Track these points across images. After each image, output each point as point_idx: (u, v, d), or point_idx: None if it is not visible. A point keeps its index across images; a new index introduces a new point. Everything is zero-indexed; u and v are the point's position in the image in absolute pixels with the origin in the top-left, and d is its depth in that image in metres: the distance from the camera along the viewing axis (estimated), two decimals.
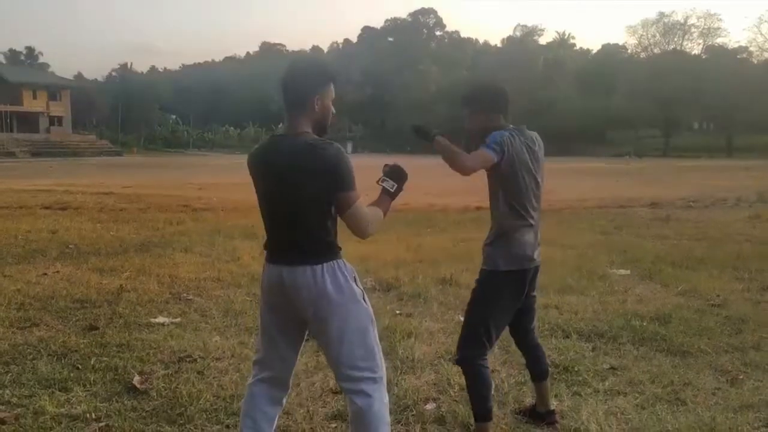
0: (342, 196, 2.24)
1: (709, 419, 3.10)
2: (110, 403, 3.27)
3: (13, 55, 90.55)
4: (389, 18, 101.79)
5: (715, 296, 5.61)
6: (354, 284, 2.35)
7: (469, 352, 2.86)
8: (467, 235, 8.97)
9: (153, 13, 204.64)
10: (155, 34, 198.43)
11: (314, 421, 3.12)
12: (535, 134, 2.95)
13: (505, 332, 3.07)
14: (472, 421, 2.97)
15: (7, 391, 3.38)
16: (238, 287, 5.87)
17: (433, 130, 2.85)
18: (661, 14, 75.13)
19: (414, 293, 5.62)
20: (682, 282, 6.15)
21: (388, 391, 3.23)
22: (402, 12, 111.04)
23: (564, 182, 20.86)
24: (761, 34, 69.00)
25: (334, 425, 3.10)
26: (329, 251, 2.32)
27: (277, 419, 2.58)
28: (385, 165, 2.52)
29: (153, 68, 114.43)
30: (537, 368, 3.15)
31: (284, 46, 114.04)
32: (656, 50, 76.69)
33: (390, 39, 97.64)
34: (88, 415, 3.10)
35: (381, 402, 2.36)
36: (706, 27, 74.24)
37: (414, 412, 3.21)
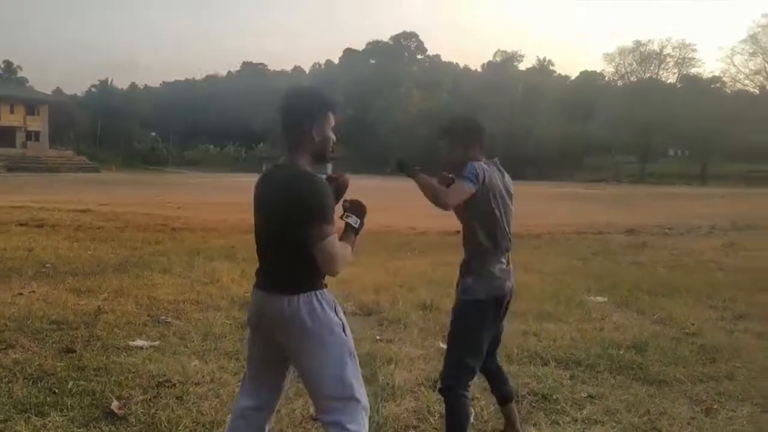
0: (311, 230, 2.22)
1: None
2: (88, 428, 3.24)
3: None
4: (371, 41, 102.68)
5: (690, 324, 5.70)
6: (333, 314, 2.35)
7: (455, 382, 2.89)
8: (447, 259, 8.99)
9: (134, 29, 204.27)
10: (136, 50, 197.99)
11: None
12: (502, 169, 3.06)
13: None
14: None
15: None
16: (218, 310, 5.84)
17: (416, 167, 2.90)
18: (638, 43, 76.77)
19: (394, 318, 5.64)
20: (657, 310, 6.25)
21: (369, 419, 3.23)
22: (384, 35, 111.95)
23: (542, 207, 21.07)
24: (734, 65, 70.57)
25: None
26: (308, 281, 2.33)
27: None
28: (344, 200, 2.50)
29: (133, 84, 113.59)
30: (504, 391, 3.21)
31: (266, 65, 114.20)
32: (633, 78, 78.18)
33: (372, 61, 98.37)
34: None
35: None
36: (681, 57, 76.00)
37: None
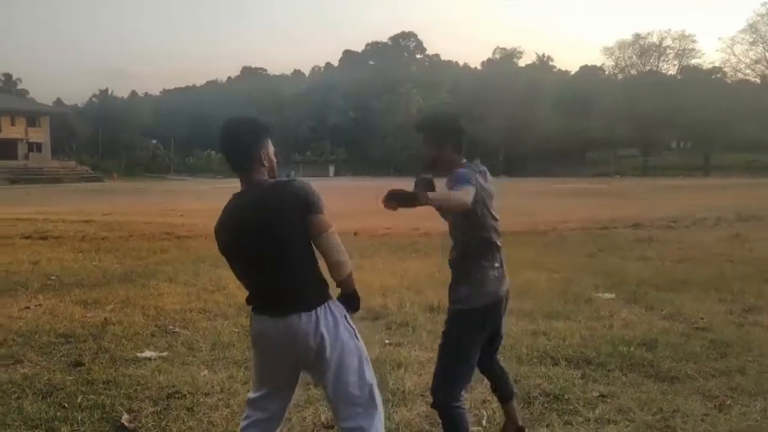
0: (315, 219, 2.31)
1: None
2: None
3: None
4: (370, 42, 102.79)
5: (700, 319, 5.67)
6: (345, 323, 2.41)
7: (447, 395, 2.79)
8: None
9: (133, 38, 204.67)
10: (135, 59, 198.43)
11: None
12: (484, 168, 2.90)
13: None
14: None
15: None
16: (225, 318, 5.83)
17: (419, 193, 2.49)
18: (637, 36, 76.61)
19: (402, 322, 5.62)
20: (666, 305, 6.22)
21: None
22: (383, 36, 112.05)
23: (546, 203, 21.04)
24: (734, 54, 70.31)
25: None
26: (318, 293, 2.37)
27: None
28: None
29: (133, 93, 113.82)
30: (505, 390, 3.18)
31: (265, 70, 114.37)
32: (633, 71, 78.04)
33: (371, 62, 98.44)
34: None
35: None
36: (681, 48, 75.76)
37: None
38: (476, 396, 3.82)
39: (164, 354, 4.73)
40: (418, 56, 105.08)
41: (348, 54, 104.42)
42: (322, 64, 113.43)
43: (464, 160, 2.86)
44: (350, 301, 2.48)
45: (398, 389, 3.91)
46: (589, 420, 3.50)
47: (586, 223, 15.26)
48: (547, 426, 3.42)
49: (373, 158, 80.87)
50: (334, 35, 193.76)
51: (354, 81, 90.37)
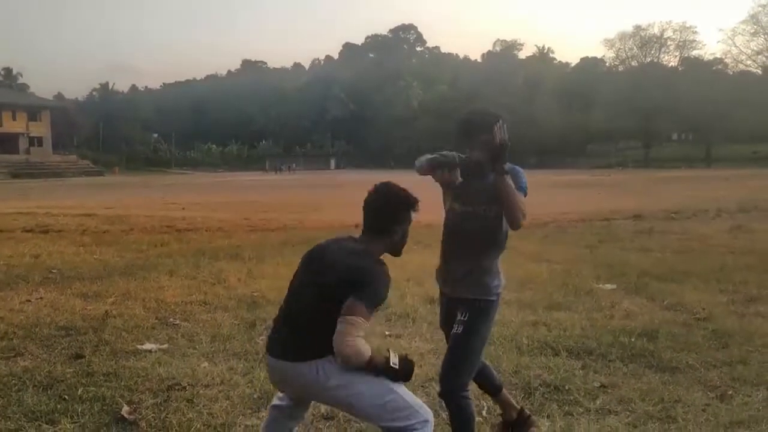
0: (354, 303, 2.27)
1: None
2: None
3: None
4: (370, 35, 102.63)
5: (701, 309, 5.66)
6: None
7: (457, 384, 2.79)
8: None
9: (133, 32, 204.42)
10: (135, 53, 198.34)
11: None
12: None
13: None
14: None
15: None
16: (226, 311, 5.82)
17: (497, 166, 2.68)
18: (638, 27, 76.39)
19: (403, 313, 5.61)
20: (667, 296, 6.21)
21: None
22: (383, 29, 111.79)
23: (546, 196, 21.01)
24: (735, 46, 70.12)
25: None
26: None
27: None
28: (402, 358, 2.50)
29: (134, 87, 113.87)
30: (492, 384, 3.19)
31: (265, 63, 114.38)
32: (634, 63, 77.82)
33: (371, 55, 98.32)
34: None
35: None
36: (682, 40, 75.54)
37: None
38: (476, 387, 3.81)
39: (164, 346, 4.72)
40: (418, 49, 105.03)
41: (348, 47, 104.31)
42: (322, 57, 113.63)
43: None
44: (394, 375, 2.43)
45: None
46: (589, 410, 3.49)
47: (586, 215, 15.25)
48: (548, 417, 3.41)
49: (374, 150, 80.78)
50: (334, 28, 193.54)
51: (354, 74, 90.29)
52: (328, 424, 3.35)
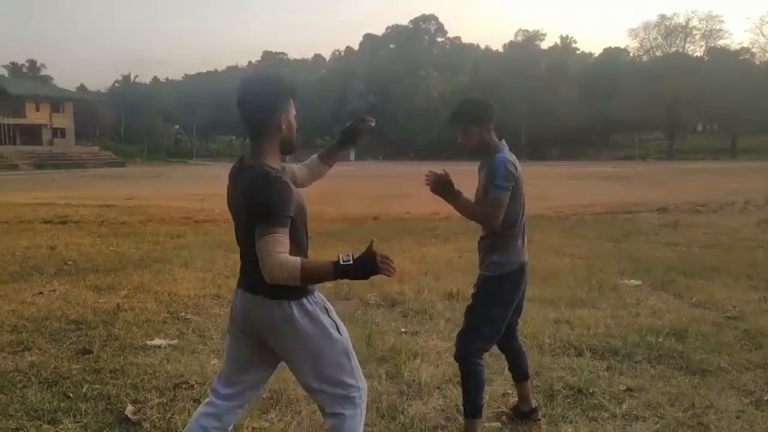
0: (258, 228, 2.06)
1: None
2: None
3: (15, 68, 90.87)
4: (390, 25, 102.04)
5: (731, 307, 5.41)
6: (326, 316, 2.28)
7: (468, 350, 2.98)
8: (473, 245, 8.73)
9: (155, 24, 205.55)
10: (158, 44, 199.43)
11: None
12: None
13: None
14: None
15: None
16: None
17: (458, 196, 2.91)
18: (662, 17, 75.07)
19: (420, 309, 5.44)
20: (695, 292, 5.97)
21: (393, 419, 3.08)
22: (403, 19, 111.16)
23: (569, 188, 20.69)
24: (763, 35, 68.66)
25: None
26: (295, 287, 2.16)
27: None
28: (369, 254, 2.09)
29: (155, 79, 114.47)
30: (521, 369, 3.25)
31: (286, 54, 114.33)
32: (658, 53, 76.53)
33: (392, 46, 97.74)
34: None
35: (353, 420, 2.31)
36: (707, 29, 74.08)
37: None
38: (496, 389, 3.64)
39: (174, 342, 4.61)
40: (439, 39, 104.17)
41: (368, 37, 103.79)
42: (342, 48, 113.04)
43: (500, 141, 2.96)
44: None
45: (413, 381, 3.73)
46: (615, 416, 3.29)
47: (609, 208, 14.94)
48: (571, 422, 3.23)
49: (394, 142, 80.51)
50: (354, 19, 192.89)
51: (374, 65, 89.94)
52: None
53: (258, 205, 2.08)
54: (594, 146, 72.25)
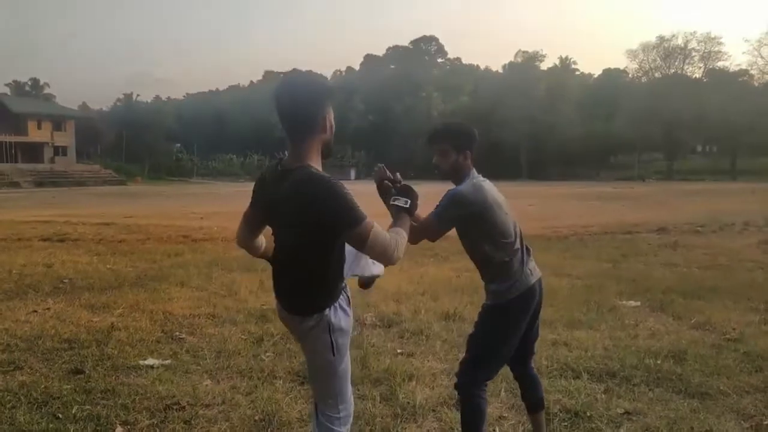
0: (353, 232, 2.03)
1: None
2: None
3: (18, 86, 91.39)
4: (391, 46, 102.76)
5: (731, 329, 5.36)
6: (349, 319, 2.28)
7: (468, 379, 2.85)
8: (470, 264, 8.73)
9: (157, 43, 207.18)
10: (160, 64, 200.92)
11: None
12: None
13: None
14: None
15: None
16: (234, 324, 5.64)
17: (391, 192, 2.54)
18: (661, 38, 75.46)
19: (416, 330, 5.38)
20: (695, 314, 5.92)
21: None
22: (404, 40, 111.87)
23: (568, 208, 20.66)
24: (761, 57, 68.78)
25: None
26: (331, 295, 2.20)
27: None
28: (394, 184, 2.43)
29: (157, 97, 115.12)
30: (534, 399, 3.10)
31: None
32: (657, 74, 76.83)
33: (392, 66, 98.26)
34: None
35: None
36: (706, 51, 74.40)
37: None
38: (492, 412, 3.59)
39: (167, 362, 4.55)
40: (439, 60, 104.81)
41: (369, 58, 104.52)
42: (343, 68, 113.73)
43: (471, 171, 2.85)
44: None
45: (408, 403, 3.68)
46: None
47: (609, 228, 14.89)
48: None
49: (394, 161, 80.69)
50: (355, 39, 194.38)
51: (375, 85, 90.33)
52: None
53: (335, 214, 2.03)
54: (593, 166, 72.35)
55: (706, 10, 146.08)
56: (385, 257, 2.06)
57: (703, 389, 3.93)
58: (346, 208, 2.01)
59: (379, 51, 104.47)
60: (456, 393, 2.97)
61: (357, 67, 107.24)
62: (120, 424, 3.39)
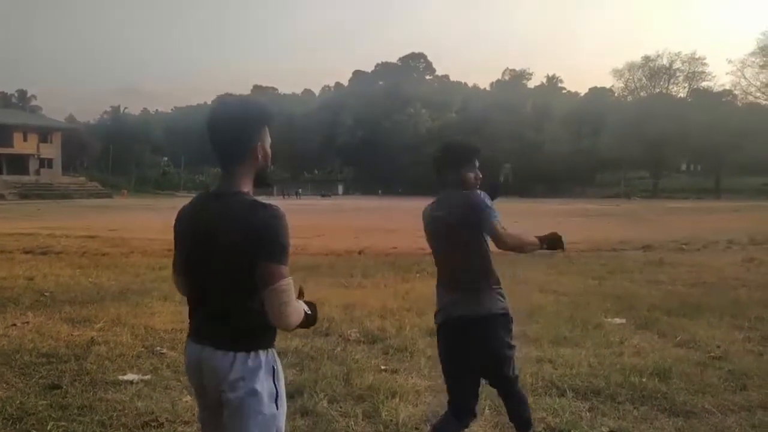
0: (268, 267, 1.86)
1: None
2: None
3: (4, 97, 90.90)
4: (380, 62, 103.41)
5: (716, 347, 5.36)
6: (273, 383, 1.98)
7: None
8: None
9: (145, 56, 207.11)
10: (147, 76, 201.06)
11: None
12: None
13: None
14: None
15: None
16: None
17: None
18: (647, 58, 76.54)
19: (401, 346, 5.33)
20: (679, 331, 5.92)
21: None
22: (393, 56, 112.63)
23: (554, 225, 20.66)
24: (744, 77, 69.92)
25: None
26: (265, 337, 1.99)
27: None
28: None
29: (145, 110, 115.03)
30: (517, 420, 3.15)
31: (276, 89, 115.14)
32: (642, 93, 77.88)
33: (381, 83, 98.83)
34: None
35: None
36: (691, 71, 75.63)
37: None
38: (476, 430, 3.54)
39: (147, 377, 4.47)
40: (428, 77, 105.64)
41: (358, 74, 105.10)
42: (332, 84, 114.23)
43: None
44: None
45: (391, 421, 3.63)
46: None
47: (594, 245, 14.93)
48: None
49: (382, 177, 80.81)
50: (344, 55, 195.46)
51: (364, 101, 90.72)
52: None
53: (270, 242, 1.87)
54: (580, 184, 72.87)
55: (691, 31, 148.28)
56: (281, 313, 1.88)
57: (688, 407, 3.91)
58: (282, 242, 1.89)
59: (368, 67, 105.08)
60: (439, 412, 2.99)
61: (346, 83, 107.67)
62: None
